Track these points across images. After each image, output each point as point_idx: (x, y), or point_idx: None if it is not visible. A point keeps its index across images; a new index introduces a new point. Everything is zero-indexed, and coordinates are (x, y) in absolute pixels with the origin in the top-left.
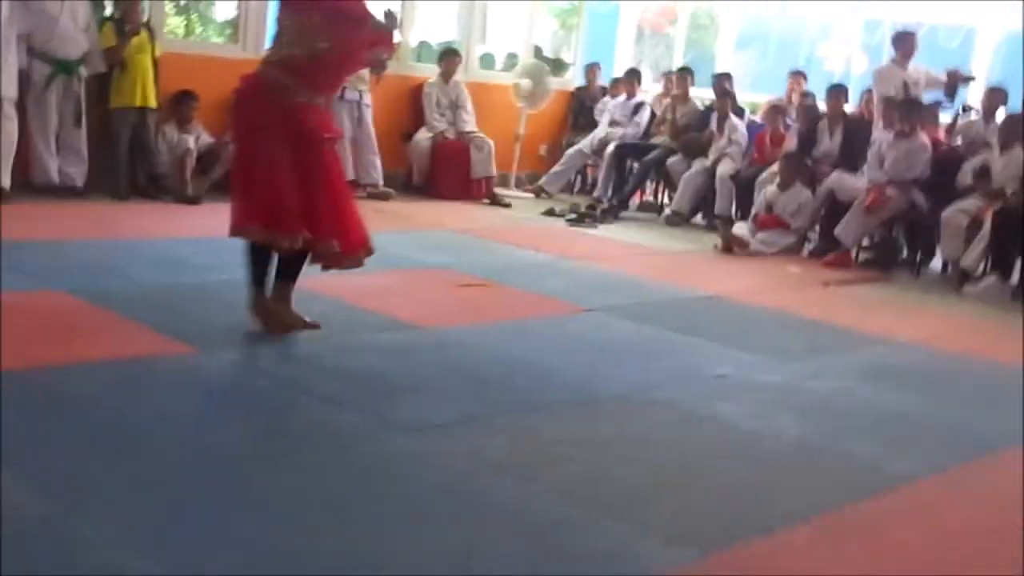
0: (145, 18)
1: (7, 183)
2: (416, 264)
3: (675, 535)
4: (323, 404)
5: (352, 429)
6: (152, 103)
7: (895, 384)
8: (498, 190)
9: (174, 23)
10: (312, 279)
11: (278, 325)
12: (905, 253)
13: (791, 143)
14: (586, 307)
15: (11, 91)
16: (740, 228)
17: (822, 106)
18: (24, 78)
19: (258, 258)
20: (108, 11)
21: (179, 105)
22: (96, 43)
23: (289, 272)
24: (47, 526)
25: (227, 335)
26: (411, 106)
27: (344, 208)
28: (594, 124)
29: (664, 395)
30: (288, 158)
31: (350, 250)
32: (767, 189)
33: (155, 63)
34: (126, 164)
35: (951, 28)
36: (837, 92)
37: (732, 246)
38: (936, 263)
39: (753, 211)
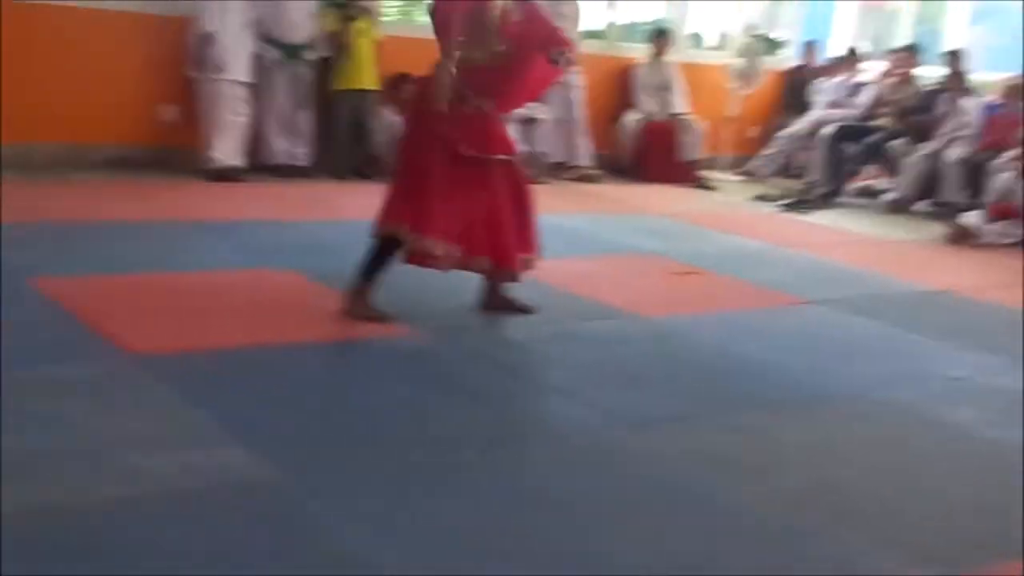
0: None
1: (240, 162)
2: (627, 249)
3: (918, 550)
4: (543, 394)
5: (572, 421)
6: (373, 85)
7: None
8: (706, 173)
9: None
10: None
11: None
12: None
13: None
14: (807, 299)
15: (244, 75)
16: (970, 217)
17: None
18: (256, 62)
19: (384, 257)
20: None
21: (396, 88)
22: (320, 28)
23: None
24: (285, 503)
25: (446, 317)
26: (620, 87)
27: (503, 223)
28: (808, 106)
29: (896, 396)
30: (447, 169)
31: (504, 265)
32: (1003, 176)
33: (376, 46)
34: (346, 145)
35: None
36: None
37: (962, 237)
38: None
39: (986, 199)
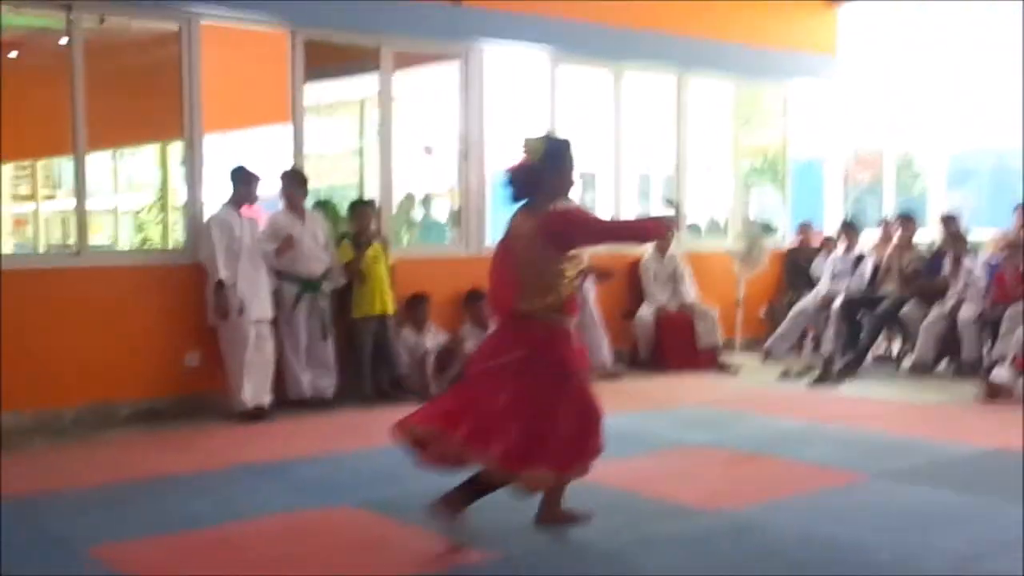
0: (377, 230)
1: (268, 401)
2: (675, 443)
3: None
4: None
5: None
6: (390, 309)
7: None
8: (725, 358)
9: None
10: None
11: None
12: None
13: None
14: (869, 473)
15: (267, 313)
16: (1000, 374)
17: None
18: (276, 299)
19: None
20: (344, 228)
21: (414, 308)
22: (336, 259)
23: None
24: None
25: (526, 537)
26: (630, 283)
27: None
28: (810, 283)
29: (1002, 567)
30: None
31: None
32: (1022, 329)
33: (390, 271)
34: (371, 370)
35: None
36: None
37: (996, 393)
38: None
39: (1010, 354)
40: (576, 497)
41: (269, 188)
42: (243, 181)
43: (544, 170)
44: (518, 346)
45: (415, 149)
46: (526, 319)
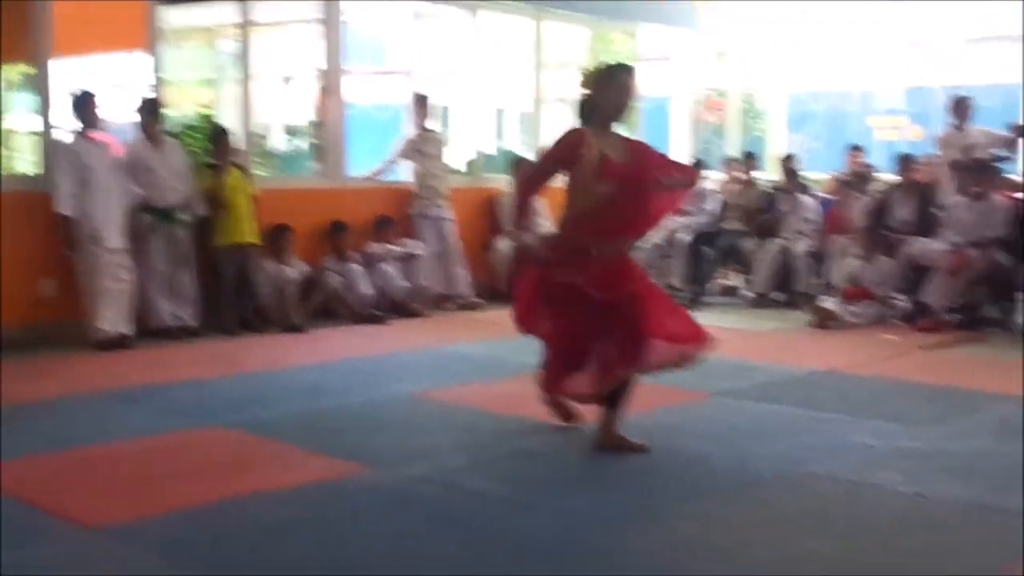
0: (237, 159)
1: (129, 330)
2: (534, 368)
3: None
4: (514, 510)
5: (548, 532)
6: (253, 239)
7: None
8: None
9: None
10: (448, 391)
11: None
12: (991, 311)
13: (865, 215)
14: (708, 392)
15: (121, 242)
16: (828, 302)
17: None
18: (132, 228)
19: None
20: (203, 157)
21: (275, 239)
22: (195, 188)
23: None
24: None
25: (386, 452)
26: (488, 216)
27: (659, 320)
28: None
29: (822, 468)
30: (587, 319)
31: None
32: (849, 262)
33: (252, 201)
34: (233, 300)
35: (991, 88)
36: (908, 161)
37: (825, 321)
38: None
39: (838, 285)
40: (445, 417)
41: (125, 115)
42: (84, 106)
43: (596, 97)
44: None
45: (274, 79)
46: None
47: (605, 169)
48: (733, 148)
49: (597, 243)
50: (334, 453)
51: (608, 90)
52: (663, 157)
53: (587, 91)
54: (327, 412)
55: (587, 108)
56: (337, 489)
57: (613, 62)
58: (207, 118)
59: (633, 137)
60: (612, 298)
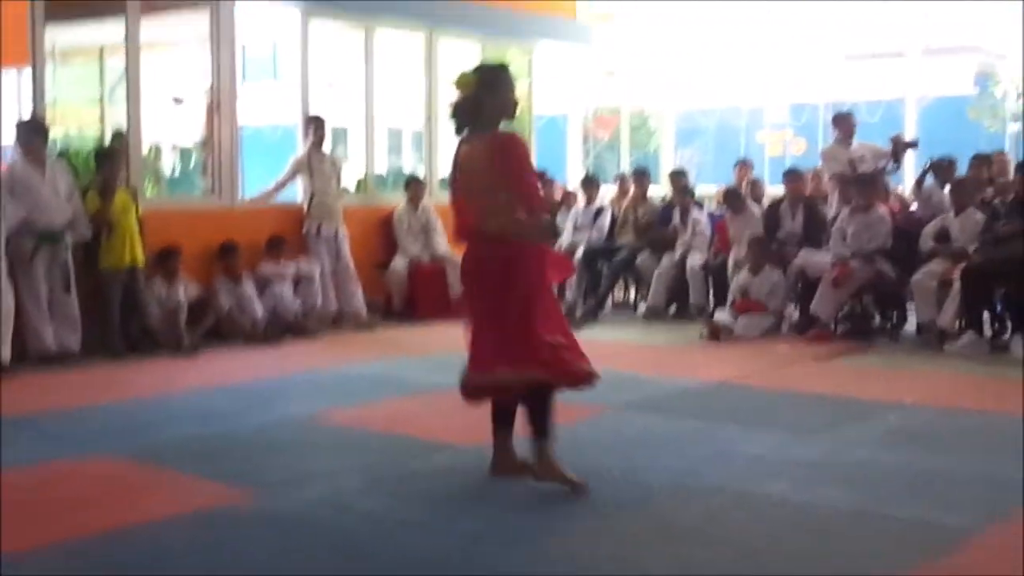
0: (125, 181)
1: (7, 356)
2: (428, 386)
3: None
4: (408, 531)
5: (443, 552)
6: (140, 261)
7: (919, 446)
8: None
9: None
10: (343, 412)
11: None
12: (878, 320)
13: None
14: (604, 405)
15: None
16: (720, 315)
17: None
18: (13, 252)
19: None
20: (89, 178)
21: (164, 260)
22: (81, 210)
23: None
24: None
25: (279, 475)
26: (383, 235)
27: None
28: (556, 234)
29: (714, 480)
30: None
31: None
32: (740, 275)
33: (140, 222)
34: (119, 324)
35: (872, 104)
36: (795, 176)
37: (718, 333)
38: (910, 327)
39: (730, 297)
40: (341, 439)
41: (6, 136)
42: None
43: (481, 98)
44: (497, 264)
45: (163, 99)
46: (495, 239)
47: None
48: (625, 164)
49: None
50: (226, 479)
51: (497, 93)
52: (525, 168)
53: (468, 92)
54: (219, 437)
55: (470, 110)
56: (229, 515)
57: (492, 63)
58: (95, 139)
59: (504, 133)
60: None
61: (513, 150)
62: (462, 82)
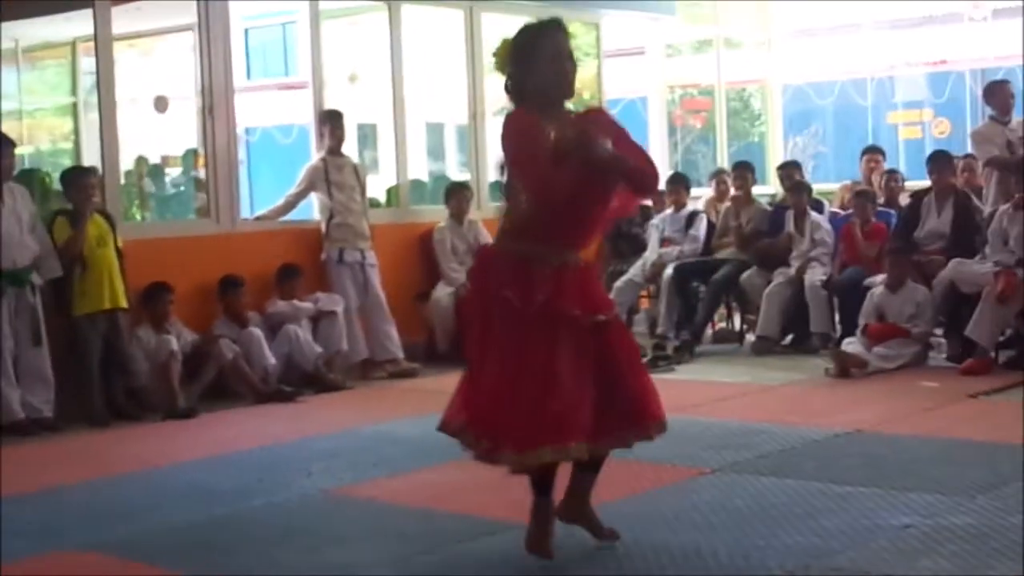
0: (101, 205)
1: None
2: None
3: None
4: None
5: None
6: (122, 303)
7: None
8: None
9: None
10: (373, 485)
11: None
12: None
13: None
14: (709, 468)
15: None
16: (851, 344)
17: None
18: None
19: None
20: (57, 204)
21: (152, 301)
22: (48, 243)
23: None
24: None
25: (302, 572)
26: (422, 258)
27: (635, 384)
28: (640, 247)
29: (849, 560)
30: (548, 347)
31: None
32: (874, 292)
33: (120, 255)
34: (100, 381)
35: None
36: (942, 162)
37: (848, 367)
38: None
39: (861, 321)
40: (368, 521)
41: None
42: None
43: (516, 73)
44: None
45: (145, 103)
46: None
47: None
48: (723, 157)
49: (553, 252)
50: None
51: (535, 63)
52: (628, 140)
53: (505, 71)
54: (217, 522)
55: (515, 92)
56: None
57: (530, 24)
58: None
59: (585, 110)
60: (592, 317)
61: (504, 128)
62: (495, 57)
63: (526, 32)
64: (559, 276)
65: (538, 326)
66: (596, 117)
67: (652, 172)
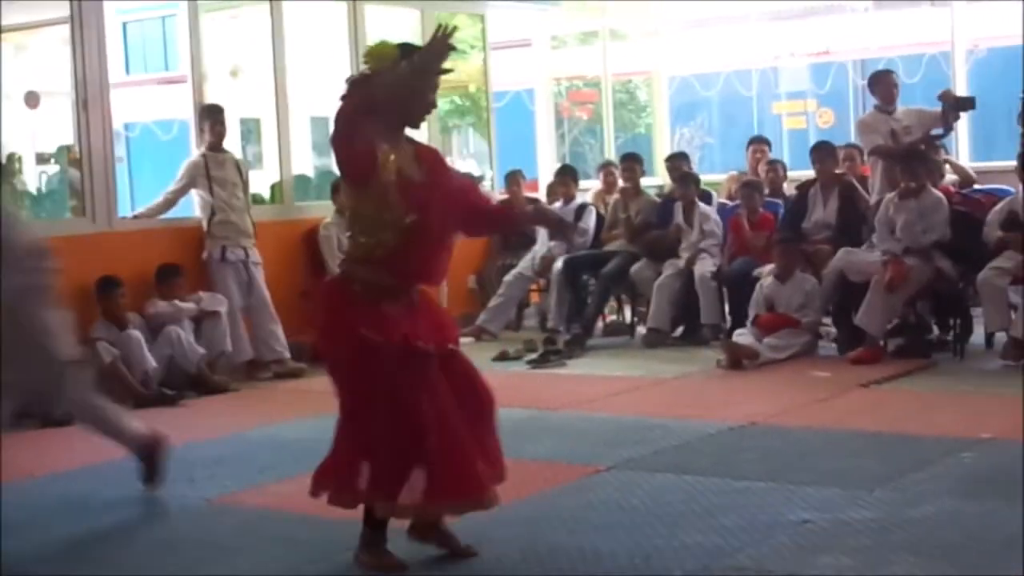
0: None
1: None
2: None
3: None
4: None
5: None
6: None
7: (1005, 494)
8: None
9: None
10: (259, 492)
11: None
12: (937, 332)
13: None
14: (604, 465)
15: None
16: (741, 336)
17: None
18: None
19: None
20: None
21: None
22: None
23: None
24: None
25: None
26: (308, 256)
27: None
28: (529, 241)
29: (749, 559)
30: (399, 392)
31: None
32: (764, 283)
33: None
34: None
35: (910, 59)
36: (825, 152)
37: (739, 359)
38: (976, 338)
39: (751, 312)
40: (255, 530)
41: None
42: None
43: (381, 84)
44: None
45: (17, 99)
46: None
47: (405, 195)
48: (610, 149)
49: (403, 286)
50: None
51: (407, 86)
52: (462, 181)
53: (374, 70)
54: (100, 535)
55: (370, 99)
56: None
57: (394, 43)
58: None
59: (420, 142)
60: (442, 349)
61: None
62: (370, 56)
63: (418, 54)
64: (410, 311)
65: (399, 365)
66: (429, 156)
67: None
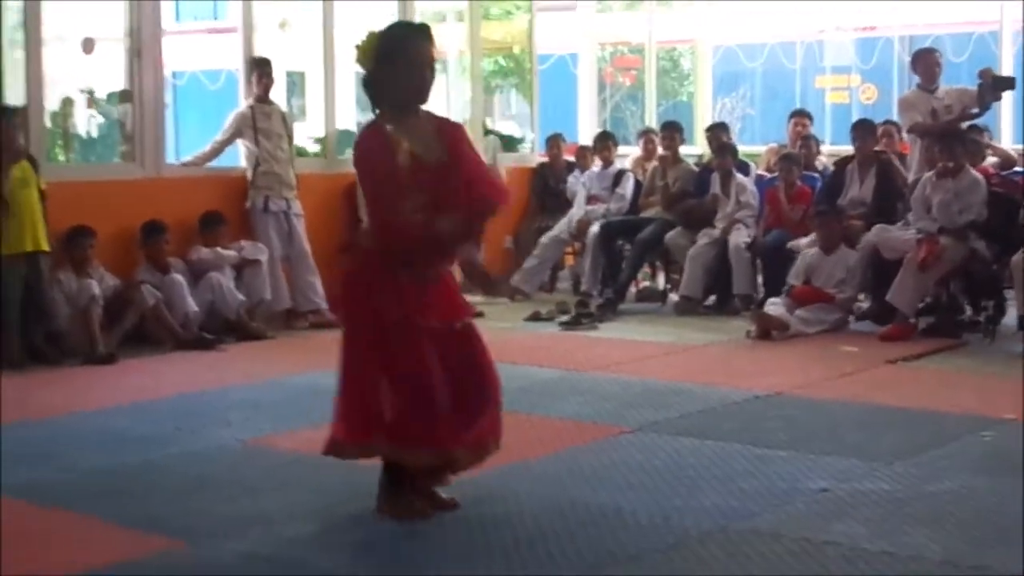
0: (25, 147)
1: None
2: None
3: None
4: None
5: None
6: (44, 246)
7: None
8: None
9: None
10: (292, 436)
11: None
12: (970, 312)
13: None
14: (629, 427)
15: None
16: (773, 306)
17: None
18: None
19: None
20: None
21: (74, 245)
22: None
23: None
24: None
25: (206, 521)
26: (349, 210)
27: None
28: (566, 205)
29: (765, 523)
30: (388, 347)
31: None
32: (807, 253)
33: (42, 197)
34: (19, 324)
35: (958, 37)
36: (865, 129)
37: (769, 329)
38: (1009, 319)
39: (790, 282)
40: (287, 472)
41: None
42: None
43: (381, 76)
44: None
45: (72, 42)
46: None
47: (418, 179)
48: (651, 116)
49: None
50: (140, 524)
51: (396, 65)
52: (476, 164)
53: (367, 69)
54: (134, 469)
55: (374, 91)
56: (141, 573)
57: (398, 24)
58: None
59: (443, 117)
60: (446, 327)
61: (356, 149)
62: (358, 53)
63: (392, 34)
64: (424, 287)
65: (402, 337)
66: (453, 132)
67: (491, 194)
